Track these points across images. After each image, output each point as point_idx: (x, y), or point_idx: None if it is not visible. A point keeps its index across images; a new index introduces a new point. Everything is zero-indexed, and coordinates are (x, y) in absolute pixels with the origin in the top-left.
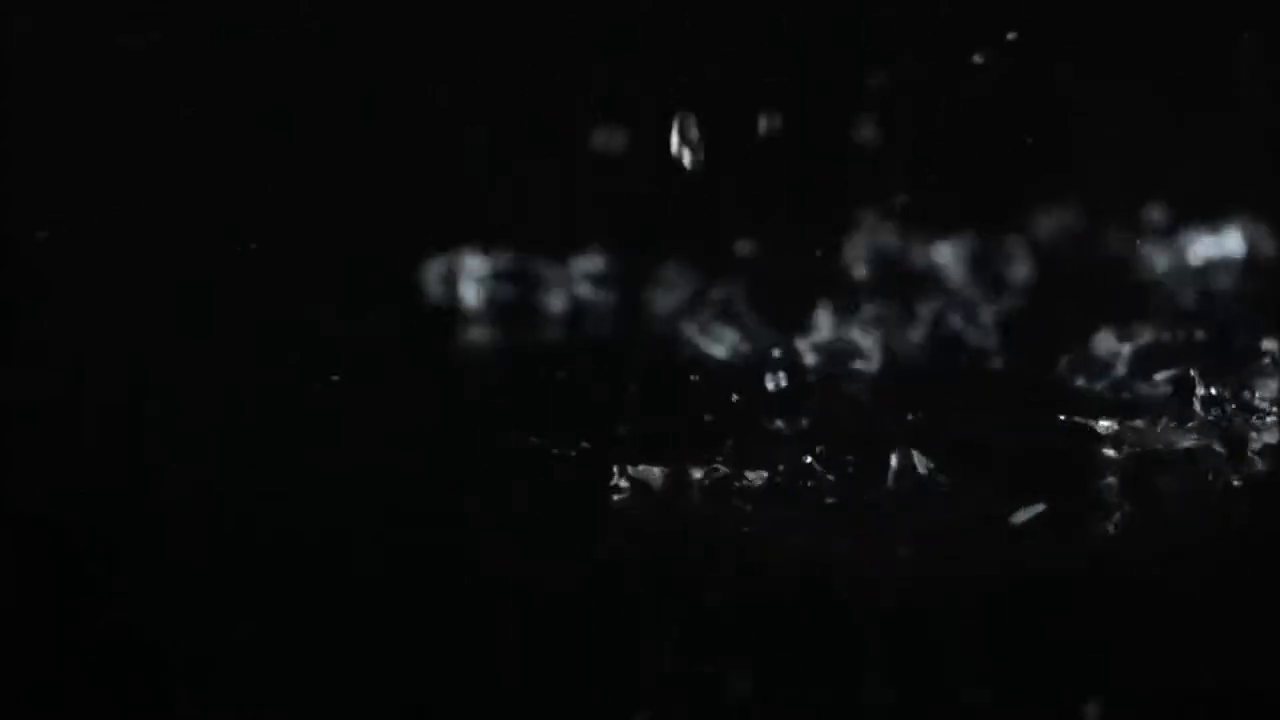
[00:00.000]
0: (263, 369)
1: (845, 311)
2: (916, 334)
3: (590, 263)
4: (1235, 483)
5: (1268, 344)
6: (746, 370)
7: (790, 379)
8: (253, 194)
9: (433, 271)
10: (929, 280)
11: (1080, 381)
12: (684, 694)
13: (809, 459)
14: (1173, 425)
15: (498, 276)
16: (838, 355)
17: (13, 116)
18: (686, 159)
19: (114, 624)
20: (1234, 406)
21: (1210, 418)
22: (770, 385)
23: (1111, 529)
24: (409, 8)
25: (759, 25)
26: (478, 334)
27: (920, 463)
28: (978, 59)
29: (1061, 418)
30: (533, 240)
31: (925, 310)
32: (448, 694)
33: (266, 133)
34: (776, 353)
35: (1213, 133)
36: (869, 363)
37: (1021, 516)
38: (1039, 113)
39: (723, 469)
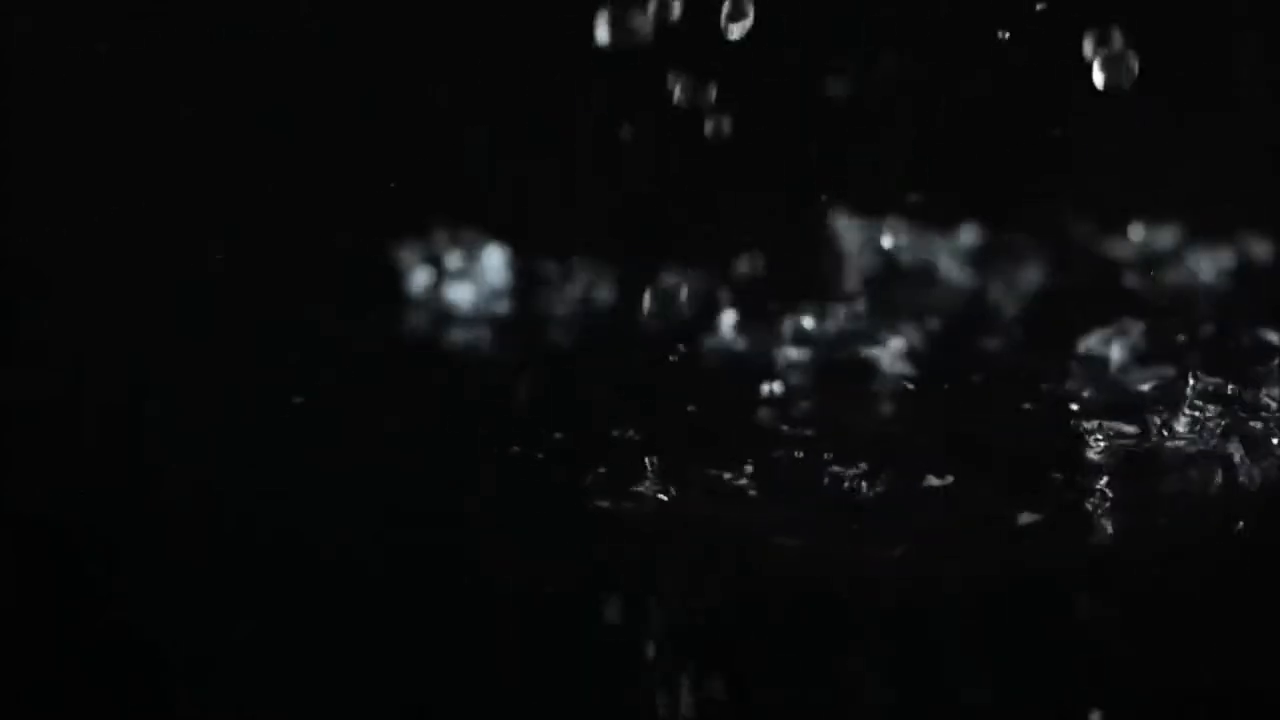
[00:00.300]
0: (263, 369)
1: (844, 310)
2: (917, 333)
3: (590, 263)
4: (1238, 484)
5: (1272, 346)
6: (747, 370)
7: (789, 379)
8: (253, 194)
9: (432, 271)
10: (930, 279)
11: (1081, 382)
12: (682, 695)
13: (808, 459)
14: (1175, 426)
15: (497, 277)
16: (837, 354)
17: (13, 116)
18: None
19: (114, 624)
20: (1237, 408)
21: (1213, 419)
22: (770, 385)
23: (1112, 530)
24: (409, 8)
25: (760, 23)
26: (477, 334)
27: (920, 462)
28: (1001, 37)
29: (1062, 418)
30: (532, 240)
31: (926, 310)
32: (447, 694)
33: (266, 133)
34: (776, 352)
35: (1215, 132)
36: (869, 362)
37: (1027, 518)
38: (1039, 111)
39: (722, 470)
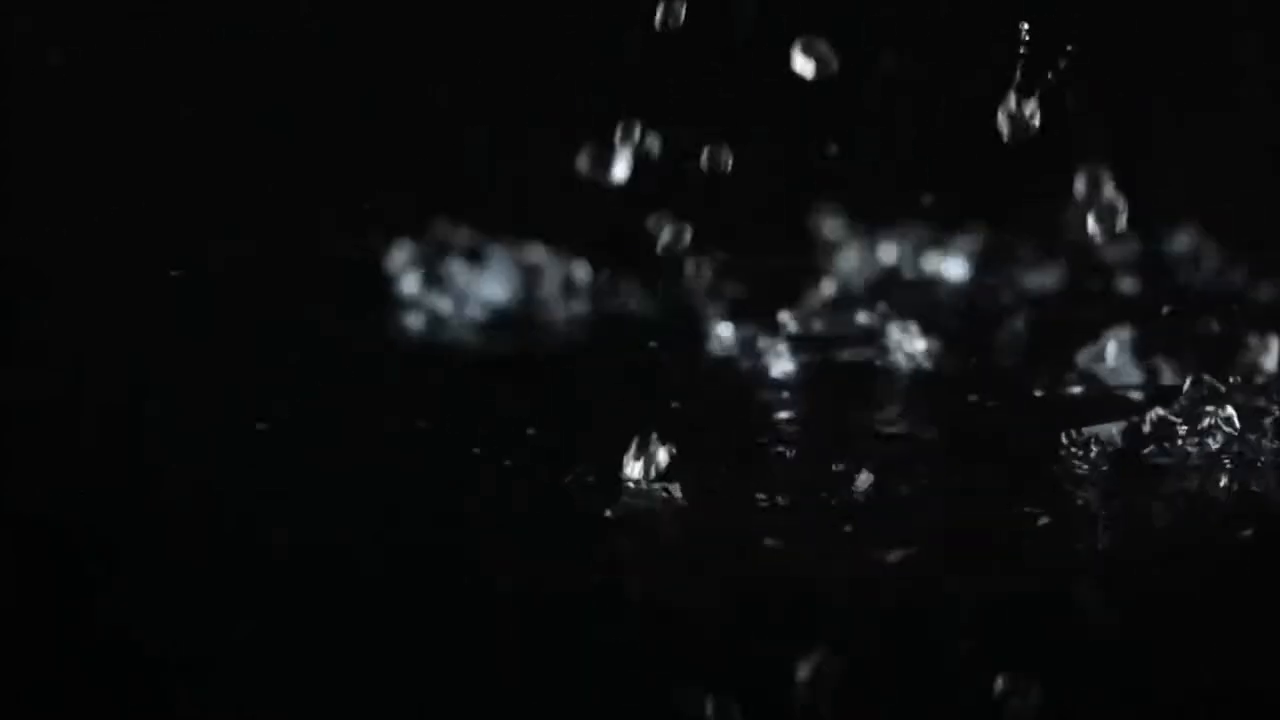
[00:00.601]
0: (263, 369)
1: (845, 310)
2: (917, 334)
3: (590, 262)
4: (1238, 486)
5: (1273, 346)
6: (747, 371)
7: (790, 379)
8: (253, 194)
9: (431, 271)
10: (929, 280)
11: (1081, 383)
12: (682, 696)
13: (808, 461)
14: (1175, 428)
15: (496, 277)
16: (837, 355)
17: (13, 116)
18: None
19: (114, 624)
20: (1238, 409)
21: (1214, 420)
22: (771, 386)
23: (1112, 532)
24: (409, 8)
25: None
26: (476, 335)
27: (919, 463)
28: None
29: (1062, 419)
30: (532, 240)
31: (926, 310)
32: (447, 694)
33: (266, 133)
34: (776, 353)
35: (1215, 132)
36: (868, 363)
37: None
38: (1038, 112)
39: (722, 471)
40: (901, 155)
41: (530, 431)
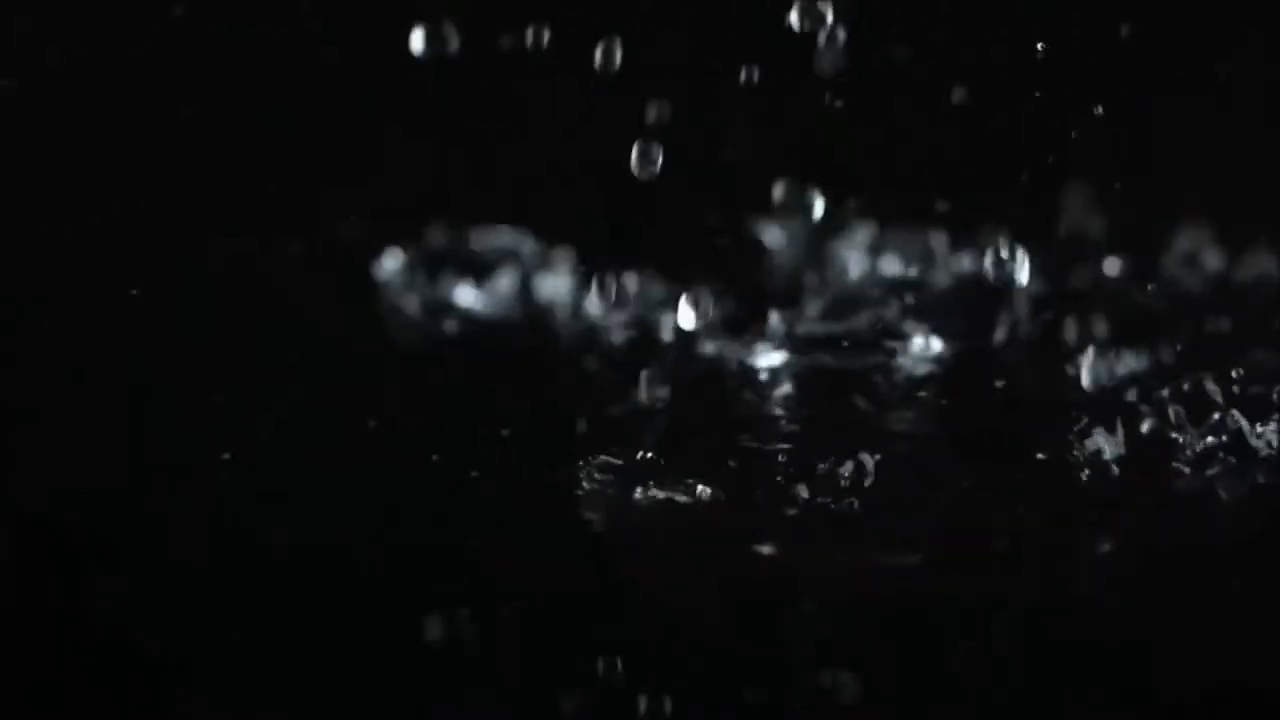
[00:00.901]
0: (263, 369)
1: (845, 312)
2: (918, 336)
3: (589, 263)
4: (1242, 487)
5: (1274, 347)
6: (749, 373)
7: (794, 382)
8: (253, 193)
9: (431, 271)
10: (931, 281)
11: (1082, 385)
12: (681, 698)
13: (810, 463)
14: (1178, 429)
15: (497, 277)
16: (838, 358)
17: (13, 116)
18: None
19: (114, 624)
20: (1241, 410)
21: (1217, 422)
22: (775, 388)
23: (1113, 533)
24: (409, 7)
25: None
26: (476, 334)
27: (921, 466)
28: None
29: (1063, 422)
30: (533, 240)
31: (927, 311)
32: (447, 694)
33: (267, 132)
34: (774, 351)
35: (1215, 132)
36: (870, 365)
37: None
38: (1037, 113)
39: (720, 472)
40: (903, 156)
41: (530, 431)
